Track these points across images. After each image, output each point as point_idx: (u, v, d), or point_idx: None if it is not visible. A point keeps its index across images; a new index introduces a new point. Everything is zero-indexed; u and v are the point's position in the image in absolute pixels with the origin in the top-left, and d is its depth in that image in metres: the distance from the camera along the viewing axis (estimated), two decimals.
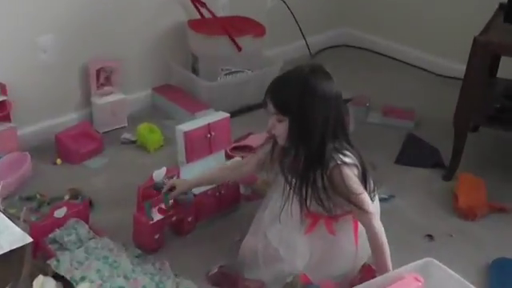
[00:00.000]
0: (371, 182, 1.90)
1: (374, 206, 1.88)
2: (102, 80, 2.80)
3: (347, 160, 1.82)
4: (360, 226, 1.88)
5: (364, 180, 1.85)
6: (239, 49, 2.97)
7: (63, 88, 2.75)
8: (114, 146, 2.75)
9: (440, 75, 3.43)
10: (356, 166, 1.83)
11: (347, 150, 1.83)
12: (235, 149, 2.74)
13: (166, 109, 3.01)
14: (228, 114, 2.34)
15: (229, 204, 2.31)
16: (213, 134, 2.24)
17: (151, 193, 2.15)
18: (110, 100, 2.81)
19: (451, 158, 2.59)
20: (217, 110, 2.88)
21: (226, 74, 3.01)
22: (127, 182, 2.49)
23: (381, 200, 2.31)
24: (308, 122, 1.79)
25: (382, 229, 1.85)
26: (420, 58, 3.50)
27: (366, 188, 1.85)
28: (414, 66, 3.53)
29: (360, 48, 3.73)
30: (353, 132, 2.61)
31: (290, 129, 1.81)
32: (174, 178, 2.15)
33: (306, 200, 1.84)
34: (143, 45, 2.98)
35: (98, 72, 2.78)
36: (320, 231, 1.90)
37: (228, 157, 2.63)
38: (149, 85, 3.06)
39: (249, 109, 3.03)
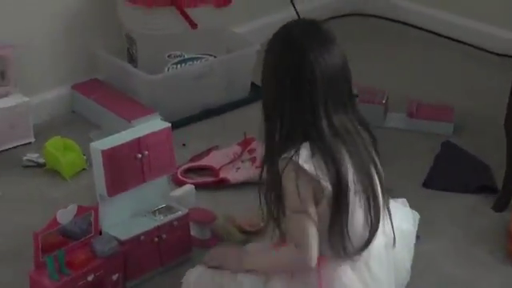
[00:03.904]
0: (355, 216, 1.91)
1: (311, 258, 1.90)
2: None
3: (301, 160, 1.85)
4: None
5: (337, 209, 1.86)
6: (193, 25, 2.97)
7: None
8: (13, 171, 2.75)
9: (495, 53, 3.44)
10: (311, 178, 1.85)
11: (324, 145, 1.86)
12: (190, 171, 2.76)
13: (92, 115, 3.03)
14: (168, 124, 2.32)
15: (174, 254, 2.30)
16: (145, 153, 2.23)
17: (57, 241, 2.15)
18: (6, 105, 2.81)
19: (504, 179, 2.58)
20: (164, 114, 2.88)
21: (176, 64, 3.02)
22: (28, 225, 2.44)
23: None
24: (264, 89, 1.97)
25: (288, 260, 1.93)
26: (466, 28, 3.51)
27: (336, 230, 1.87)
28: (457, 41, 3.54)
29: (377, 17, 3.75)
30: None
31: None
32: None
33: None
34: (54, 22, 2.97)
35: None
36: None
37: (178, 182, 2.65)
38: (66, 81, 3.07)
39: (212, 113, 3.05)
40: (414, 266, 2.31)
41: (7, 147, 2.85)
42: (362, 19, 3.77)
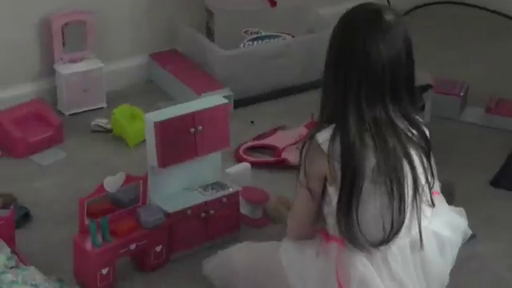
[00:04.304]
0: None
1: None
2: (70, 41, 2.86)
3: (320, 137, 1.87)
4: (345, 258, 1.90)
5: (344, 193, 1.84)
6: (272, 3, 2.94)
7: (14, 51, 2.81)
8: (81, 135, 2.79)
9: None
10: (324, 157, 1.85)
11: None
12: (253, 149, 2.74)
13: (166, 85, 3.04)
14: (226, 100, 2.29)
15: (221, 230, 2.29)
16: (200, 127, 2.22)
17: (105, 208, 2.17)
18: (81, 69, 2.85)
19: None
20: (237, 90, 2.89)
21: (252, 40, 2.99)
22: (88, 189, 2.51)
23: None
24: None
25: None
26: None
27: (342, 214, 1.85)
28: None
29: (471, 5, 3.61)
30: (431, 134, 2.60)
31: None
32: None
33: None
34: None
35: (65, 29, 2.83)
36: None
37: (239, 159, 2.64)
38: (145, 50, 3.09)
39: (285, 92, 3.02)
40: (466, 266, 2.24)
41: (79, 111, 2.89)
42: (456, 7, 3.64)
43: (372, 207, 1.87)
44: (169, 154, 2.20)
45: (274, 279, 2.00)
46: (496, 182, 2.60)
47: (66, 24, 2.82)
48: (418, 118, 1.94)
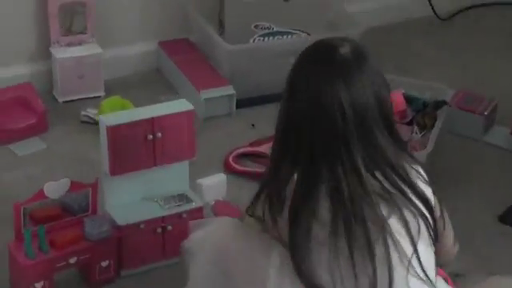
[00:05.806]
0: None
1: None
2: (68, 23, 2.66)
3: None
4: None
5: None
6: None
7: (8, 30, 2.63)
8: (69, 125, 2.60)
9: None
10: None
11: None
12: (243, 156, 2.50)
13: (172, 77, 2.82)
14: (191, 107, 2.05)
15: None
16: (158, 134, 1.98)
17: (52, 214, 1.96)
18: (77, 54, 2.65)
19: None
20: (241, 89, 2.66)
21: (263, 36, 2.74)
22: None
23: None
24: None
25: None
26: None
27: None
28: None
29: None
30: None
31: None
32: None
33: None
34: None
35: (62, 10, 2.62)
36: None
37: (227, 168, 2.41)
38: (154, 36, 2.87)
39: None
40: None
41: (74, 98, 2.68)
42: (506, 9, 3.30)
43: None
44: (121, 162, 1.97)
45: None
46: (504, 218, 2.28)
47: (63, 4, 2.62)
48: (417, 170, 1.56)
